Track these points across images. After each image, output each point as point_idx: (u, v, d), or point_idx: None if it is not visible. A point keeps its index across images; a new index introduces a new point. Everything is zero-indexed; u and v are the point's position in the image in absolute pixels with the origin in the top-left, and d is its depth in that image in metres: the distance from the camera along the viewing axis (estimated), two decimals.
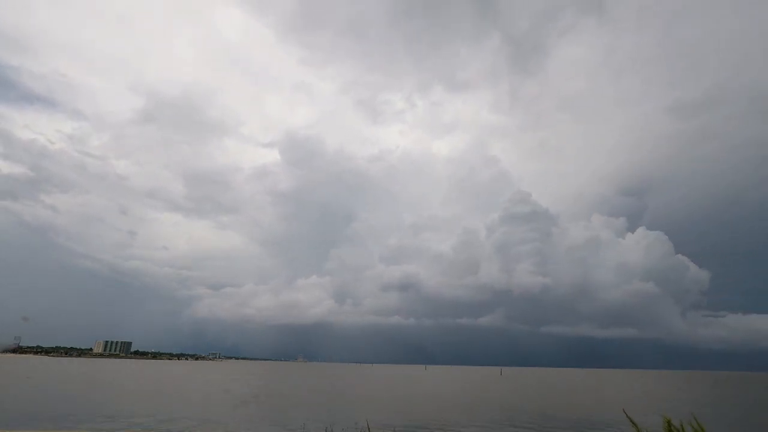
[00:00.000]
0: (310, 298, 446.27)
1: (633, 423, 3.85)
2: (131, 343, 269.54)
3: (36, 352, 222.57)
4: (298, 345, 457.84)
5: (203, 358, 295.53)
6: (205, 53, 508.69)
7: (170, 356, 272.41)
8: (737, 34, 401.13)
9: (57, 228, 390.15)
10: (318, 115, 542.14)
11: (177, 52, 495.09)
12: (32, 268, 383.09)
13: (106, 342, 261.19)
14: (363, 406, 33.64)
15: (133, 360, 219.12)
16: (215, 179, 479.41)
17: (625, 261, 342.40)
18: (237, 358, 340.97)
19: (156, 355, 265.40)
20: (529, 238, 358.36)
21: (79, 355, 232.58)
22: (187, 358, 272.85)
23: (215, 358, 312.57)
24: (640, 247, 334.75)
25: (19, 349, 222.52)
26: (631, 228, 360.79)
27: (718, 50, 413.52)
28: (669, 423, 3.55)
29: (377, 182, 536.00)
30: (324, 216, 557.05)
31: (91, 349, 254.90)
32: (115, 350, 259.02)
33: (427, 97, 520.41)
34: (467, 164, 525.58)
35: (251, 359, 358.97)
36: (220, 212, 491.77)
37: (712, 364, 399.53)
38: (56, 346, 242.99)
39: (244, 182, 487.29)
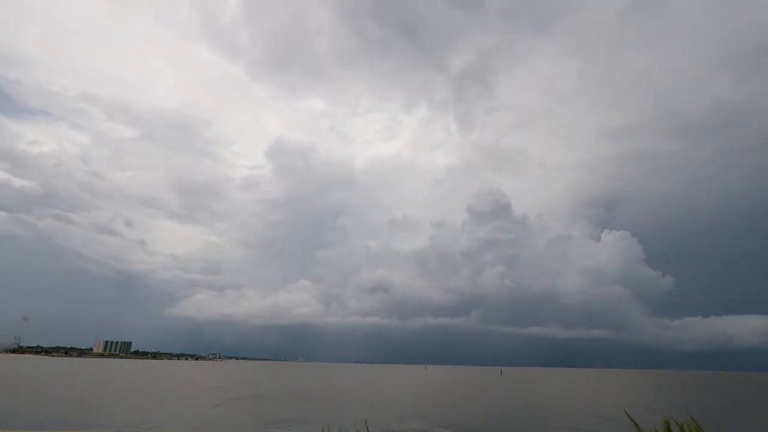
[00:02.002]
0: (304, 300, 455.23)
1: (635, 423, 3.95)
2: (131, 343, 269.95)
3: (36, 352, 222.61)
4: (297, 345, 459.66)
5: (203, 358, 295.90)
6: (189, 80, 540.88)
7: (170, 356, 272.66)
8: (660, 69, 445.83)
9: (58, 231, 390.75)
10: (301, 136, 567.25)
11: (163, 76, 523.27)
12: (32, 269, 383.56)
13: (106, 342, 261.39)
14: (384, 406, 34.02)
15: (132, 360, 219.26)
16: (208, 189, 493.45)
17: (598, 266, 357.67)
18: (236, 358, 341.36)
19: (156, 355, 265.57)
20: (508, 242, 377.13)
21: (79, 355, 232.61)
22: (186, 358, 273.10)
23: (215, 358, 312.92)
24: (608, 252, 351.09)
25: (19, 349, 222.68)
26: (597, 237, 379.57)
27: (641, 82, 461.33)
28: (668, 423, 3.59)
29: (366, 190, 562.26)
30: (316, 222, 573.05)
31: (91, 349, 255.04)
32: (114, 350, 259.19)
33: (412, 115, 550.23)
34: (447, 174, 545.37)
35: (251, 359, 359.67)
36: (214, 219, 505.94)
37: (685, 364, 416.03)
38: (56, 346, 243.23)
39: (236, 191, 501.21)
